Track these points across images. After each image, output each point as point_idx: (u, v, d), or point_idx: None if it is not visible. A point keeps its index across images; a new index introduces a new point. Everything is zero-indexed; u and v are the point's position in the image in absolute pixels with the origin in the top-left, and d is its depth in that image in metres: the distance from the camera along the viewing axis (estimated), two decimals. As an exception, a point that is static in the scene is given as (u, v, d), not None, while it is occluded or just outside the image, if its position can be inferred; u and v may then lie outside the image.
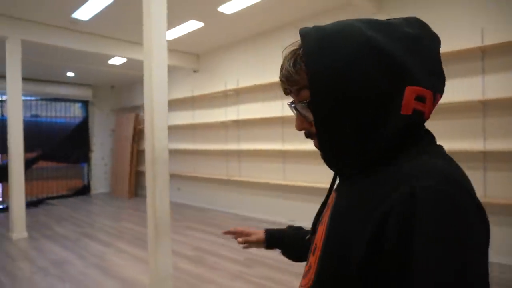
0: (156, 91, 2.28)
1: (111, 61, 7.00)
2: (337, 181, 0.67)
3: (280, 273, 3.46)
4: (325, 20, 4.49)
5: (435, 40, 0.56)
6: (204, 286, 3.21)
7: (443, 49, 3.22)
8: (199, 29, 5.53)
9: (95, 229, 5.58)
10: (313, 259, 0.60)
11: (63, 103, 9.12)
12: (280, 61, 0.64)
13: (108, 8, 4.69)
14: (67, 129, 9.17)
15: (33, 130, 8.06)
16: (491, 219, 0.63)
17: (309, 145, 4.58)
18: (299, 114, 0.62)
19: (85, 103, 9.45)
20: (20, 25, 5.00)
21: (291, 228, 1.01)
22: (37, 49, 5.78)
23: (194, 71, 7.24)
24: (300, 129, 0.63)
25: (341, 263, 0.51)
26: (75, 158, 9.22)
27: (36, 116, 8.63)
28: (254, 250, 4.23)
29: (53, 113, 8.95)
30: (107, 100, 9.91)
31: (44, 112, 8.81)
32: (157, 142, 2.25)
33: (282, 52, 0.62)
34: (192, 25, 5.34)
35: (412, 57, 0.52)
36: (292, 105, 0.63)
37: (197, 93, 7.09)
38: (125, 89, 9.83)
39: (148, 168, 2.31)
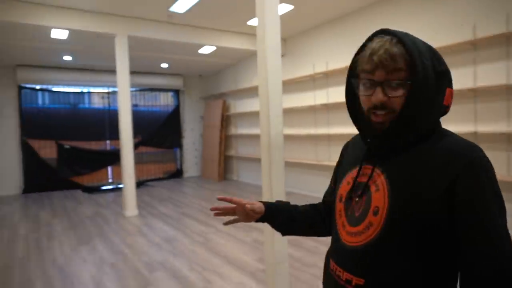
0: (271, 77, 2.28)
1: (201, 50, 7.32)
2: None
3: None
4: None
5: None
6: (306, 269, 3.24)
7: None
8: (288, 12, 5.46)
9: (193, 209, 5.99)
10: (377, 218, 0.74)
11: (157, 93, 9.87)
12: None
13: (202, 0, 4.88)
14: (162, 117, 9.92)
15: (133, 119, 8.87)
16: None
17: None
18: (382, 89, 0.74)
19: (177, 92, 10.10)
20: (126, 22, 5.46)
21: (279, 202, 1.07)
22: (139, 43, 6.27)
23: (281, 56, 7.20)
24: (382, 101, 0.74)
25: (416, 214, 0.69)
26: (169, 144, 9.98)
27: (136, 105, 9.48)
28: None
29: (149, 102, 9.75)
30: (196, 88, 10.45)
31: (142, 102, 9.64)
32: (272, 128, 2.27)
33: (372, 42, 0.79)
34: (282, 9, 5.28)
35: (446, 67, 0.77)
36: (385, 82, 0.74)
37: (284, 77, 7.07)
38: (212, 77, 10.25)
39: (263, 154, 2.35)
